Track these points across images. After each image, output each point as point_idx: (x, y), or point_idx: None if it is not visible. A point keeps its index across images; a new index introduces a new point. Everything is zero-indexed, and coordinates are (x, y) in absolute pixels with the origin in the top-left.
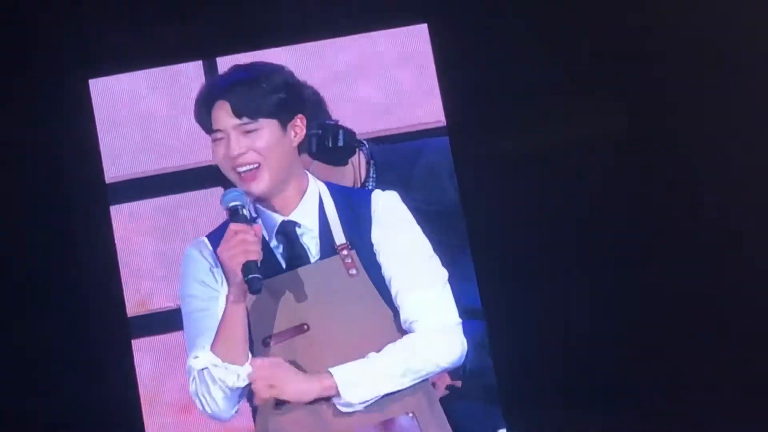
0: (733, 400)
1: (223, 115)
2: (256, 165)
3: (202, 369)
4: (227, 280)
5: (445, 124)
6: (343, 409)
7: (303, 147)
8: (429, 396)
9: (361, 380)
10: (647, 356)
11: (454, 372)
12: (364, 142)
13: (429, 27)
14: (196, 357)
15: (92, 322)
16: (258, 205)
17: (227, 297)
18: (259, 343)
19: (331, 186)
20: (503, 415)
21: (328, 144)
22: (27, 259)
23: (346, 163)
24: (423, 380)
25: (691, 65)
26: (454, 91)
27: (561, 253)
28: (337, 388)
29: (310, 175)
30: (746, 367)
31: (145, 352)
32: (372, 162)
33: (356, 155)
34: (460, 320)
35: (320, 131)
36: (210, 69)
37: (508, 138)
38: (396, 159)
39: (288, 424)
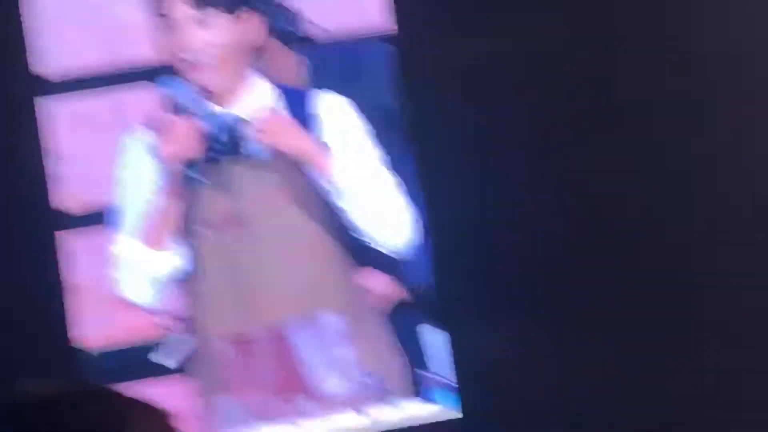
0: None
1: (177, 2)
2: (208, 58)
3: (126, 254)
4: (165, 173)
5: (396, 32)
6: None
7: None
8: (359, 296)
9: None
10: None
11: (399, 284)
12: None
13: None
14: (121, 242)
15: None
16: (202, 97)
17: (163, 188)
18: (197, 228)
19: (281, 85)
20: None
21: (279, 24)
22: None
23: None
24: (354, 276)
25: None
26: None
27: (510, 166)
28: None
29: (256, 71)
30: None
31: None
32: (307, 61)
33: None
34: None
35: (275, 10)
36: None
37: (460, 47)
38: (333, 61)
39: (222, 319)
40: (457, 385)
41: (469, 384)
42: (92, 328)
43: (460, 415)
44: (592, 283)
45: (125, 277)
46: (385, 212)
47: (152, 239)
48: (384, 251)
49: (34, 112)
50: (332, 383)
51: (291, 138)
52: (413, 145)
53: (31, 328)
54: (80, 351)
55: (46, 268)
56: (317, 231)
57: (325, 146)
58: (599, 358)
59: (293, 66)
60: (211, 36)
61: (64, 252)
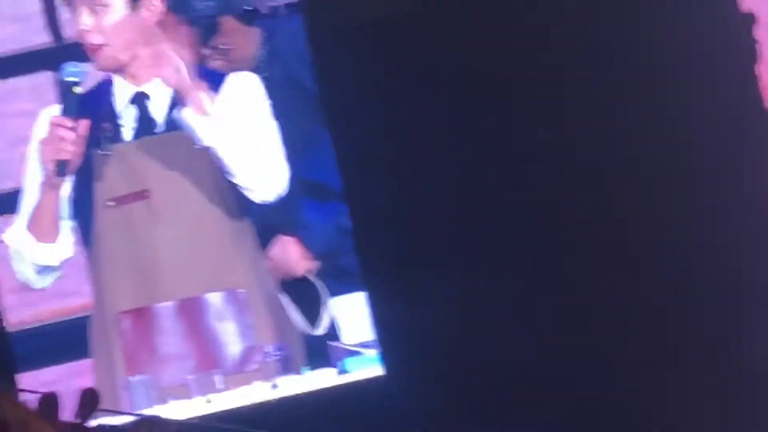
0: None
1: None
2: (99, 43)
3: (14, 244)
4: (42, 170)
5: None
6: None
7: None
8: (261, 273)
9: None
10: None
11: (308, 254)
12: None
13: None
14: (9, 232)
15: None
16: (114, 76)
17: (40, 184)
18: (99, 205)
19: (195, 66)
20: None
21: (242, 5)
22: None
23: (250, 24)
24: (257, 255)
25: None
26: None
27: (424, 129)
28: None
29: (170, 51)
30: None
31: None
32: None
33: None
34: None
35: None
36: None
37: (363, 10)
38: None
39: (124, 294)
40: (379, 344)
41: (389, 343)
42: (8, 311)
43: (382, 372)
44: (505, 243)
45: (17, 264)
46: (257, 162)
47: (35, 231)
48: (254, 199)
49: None
50: (238, 357)
51: (173, 72)
52: (328, 117)
53: None
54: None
55: None
56: (218, 206)
57: (203, 86)
58: (515, 310)
59: (251, 42)
60: (102, 20)
61: None
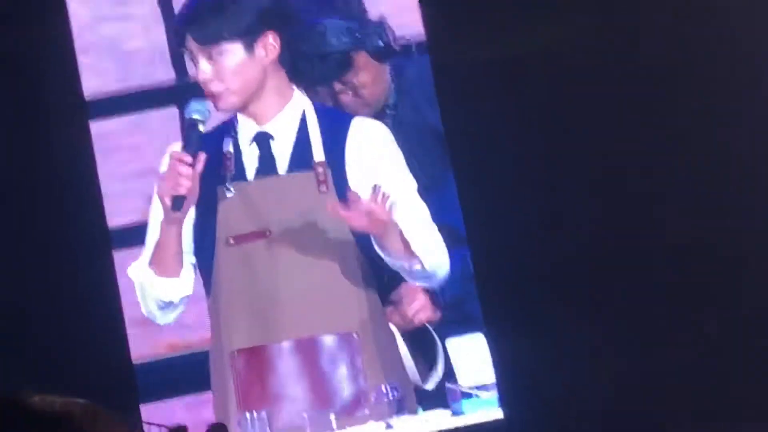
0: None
1: (189, 39)
2: (219, 89)
3: (138, 280)
4: (162, 206)
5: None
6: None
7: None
8: (375, 317)
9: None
10: (630, 272)
11: (437, 300)
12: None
13: None
14: (134, 267)
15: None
16: (239, 115)
17: (163, 216)
18: (221, 242)
19: (318, 105)
20: (487, 341)
21: (377, 42)
22: (3, 174)
23: (383, 61)
24: (373, 299)
25: None
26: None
27: (549, 172)
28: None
29: (297, 91)
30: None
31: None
32: (390, 74)
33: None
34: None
35: (377, 30)
36: None
37: (491, 48)
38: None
39: (239, 331)
40: (497, 387)
41: (509, 386)
42: (137, 343)
43: (500, 416)
44: (629, 288)
45: (141, 298)
46: (416, 243)
47: (157, 266)
48: (417, 281)
49: (88, 135)
50: (350, 399)
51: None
52: (453, 159)
53: (89, 344)
54: (131, 365)
55: (102, 286)
56: (339, 248)
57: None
58: (634, 361)
59: (383, 79)
60: (220, 66)
61: (118, 270)
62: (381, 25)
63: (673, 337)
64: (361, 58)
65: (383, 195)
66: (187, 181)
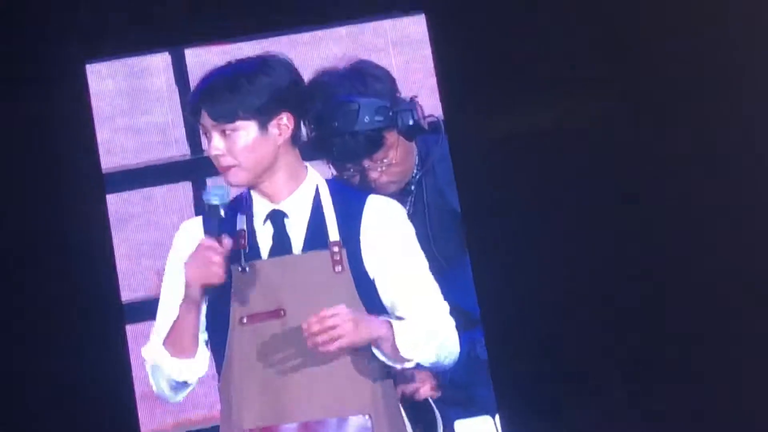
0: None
1: (204, 115)
2: (231, 164)
3: (151, 358)
4: (185, 286)
5: (441, 118)
6: (389, 362)
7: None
8: (388, 398)
9: (416, 338)
10: (648, 357)
11: (439, 380)
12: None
13: (426, 17)
14: (148, 347)
15: (87, 309)
16: (252, 192)
17: (183, 298)
18: (235, 321)
19: (331, 183)
20: (501, 425)
21: (408, 121)
22: (21, 244)
23: (412, 139)
24: (386, 380)
25: (689, 50)
26: (452, 84)
27: (562, 253)
28: (393, 338)
29: (311, 168)
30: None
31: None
32: (417, 151)
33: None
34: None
35: (406, 108)
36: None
37: (509, 126)
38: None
39: (251, 411)
40: None
41: None
42: (144, 418)
43: None
44: (645, 374)
45: (154, 378)
46: (425, 337)
47: (173, 347)
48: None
49: (105, 208)
50: None
51: (361, 330)
52: (469, 237)
53: (99, 417)
54: None
55: (116, 360)
56: None
57: (386, 323)
58: None
59: (410, 157)
60: (233, 143)
61: (131, 344)
62: (412, 104)
63: (692, 413)
64: (392, 136)
65: (322, 317)
66: (220, 270)
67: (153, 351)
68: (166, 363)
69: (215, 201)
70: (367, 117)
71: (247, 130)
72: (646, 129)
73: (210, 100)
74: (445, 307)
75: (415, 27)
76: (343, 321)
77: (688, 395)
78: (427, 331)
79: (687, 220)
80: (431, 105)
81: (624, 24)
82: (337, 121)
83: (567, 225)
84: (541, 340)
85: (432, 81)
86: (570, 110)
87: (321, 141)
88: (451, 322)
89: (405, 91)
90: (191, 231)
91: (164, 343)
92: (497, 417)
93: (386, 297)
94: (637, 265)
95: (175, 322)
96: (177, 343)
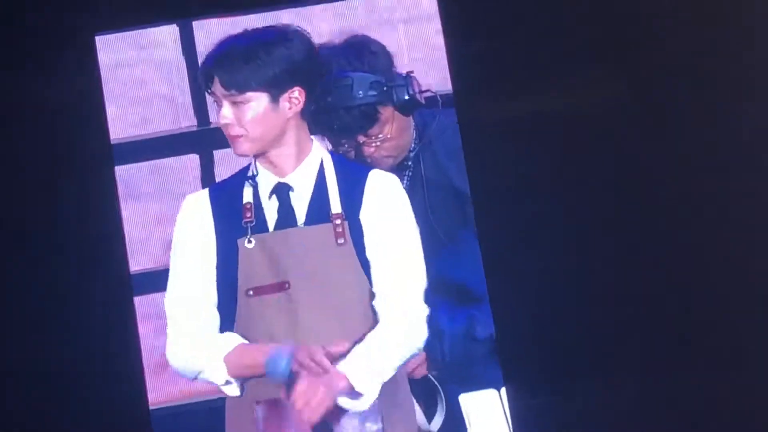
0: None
1: (216, 82)
2: (239, 134)
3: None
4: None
5: (451, 91)
6: (354, 406)
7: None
8: (394, 381)
9: (371, 373)
10: (649, 331)
11: (432, 360)
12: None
13: None
14: (201, 357)
15: (96, 278)
16: (258, 163)
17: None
18: (242, 293)
19: (335, 156)
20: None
21: (403, 96)
22: (29, 215)
23: (408, 114)
24: None
25: (698, 32)
26: (461, 58)
27: (570, 232)
28: (350, 383)
29: (316, 142)
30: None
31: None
32: (414, 126)
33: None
34: (426, 310)
35: (403, 82)
36: (184, 31)
37: (517, 107)
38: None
39: (258, 383)
40: None
41: None
42: (153, 389)
43: None
44: (652, 347)
45: (183, 370)
46: (400, 316)
47: (231, 369)
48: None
49: (114, 179)
50: None
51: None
52: (477, 215)
53: (108, 389)
54: (147, 411)
55: (125, 331)
56: (357, 301)
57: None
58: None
59: (407, 132)
60: (242, 114)
61: (140, 315)
62: (408, 78)
63: (695, 397)
64: (387, 111)
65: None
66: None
67: (213, 365)
68: (217, 378)
69: (279, 379)
70: (360, 92)
71: (258, 102)
72: (656, 110)
73: (224, 69)
74: (423, 309)
75: (426, 3)
76: (314, 395)
77: (696, 370)
78: (383, 358)
79: (694, 197)
80: (440, 82)
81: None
82: (331, 96)
83: (575, 204)
84: (547, 315)
85: (442, 58)
86: (580, 91)
87: (316, 116)
88: (422, 323)
89: (415, 68)
90: (196, 204)
91: (226, 362)
92: (503, 390)
93: (375, 284)
94: (646, 242)
95: (249, 354)
96: (238, 368)
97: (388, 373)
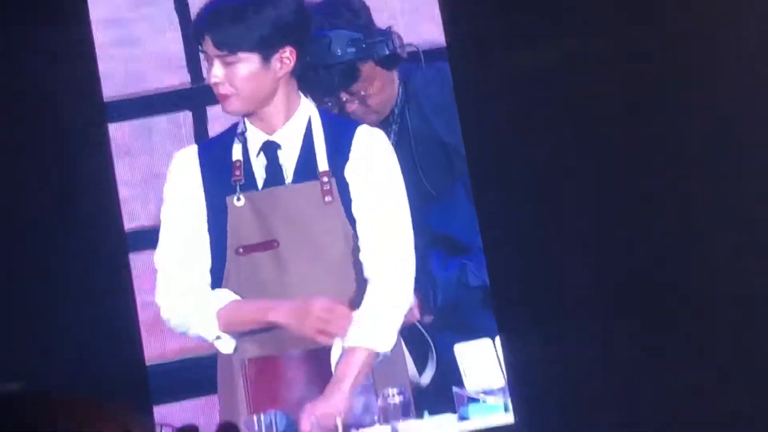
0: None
1: (207, 41)
2: (229, 93)
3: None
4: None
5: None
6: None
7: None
8: None
9: (388, 330)
10: (647, 280)
11: (425, 306)
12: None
13: None
14: (184, 304)
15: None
16: (247, 121)
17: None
18: (232, 252)
19: (323, 113)
20: (501, 347)
21: (384, 52)
22: (21, 173)
23: (391, 69)
24: None
25: None
26: (454, 10)
27: (566, 186)
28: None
29: (304, 99)
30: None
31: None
32: (399, 80)
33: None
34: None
35: (383, 38)
36: None
37: (512, 59)
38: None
39: (251, 341)
40: (509, 392)
41: (521, 391)
42: (149, 345)
43: (509, 421)
44: (643, 294)
45: (182, 327)
46: (386, 267)
47: (224, 325)
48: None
49: (107, 138)
50: (360, 407)
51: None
52: (470, 166)
53: (104, 346)
54: (144, 367)
55: (120, 288)
56: (347, 259)
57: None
58: (647, 367)
59: (390, 87)
60: (233, 73)
61: (136, 272)
62: (387, 33)
63: (687, 344)
64: (368, 67)
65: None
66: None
67: (200, 324)
68: (208, 333)
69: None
70: (339, 50)
71: (249, 62)
72: (657, 66)
73: (214, 29)
74: (411, 269)
75: None
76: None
77: (689, 329)
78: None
79: (694, 159)
80: (429, 33)
81: None
82: (309, 56)
83: (571, 159)
84: (542, 265)
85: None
86: (576, 48)
87: (297, 76)
88: (411, 277)
89: (407, 21)
90: (185, 160)
91: (218, 316)
92: (497, 339)
93: (361, 240)
94: (642, 197)
95: (242, 309)
96: (232, 324)
97: (400, 321)
